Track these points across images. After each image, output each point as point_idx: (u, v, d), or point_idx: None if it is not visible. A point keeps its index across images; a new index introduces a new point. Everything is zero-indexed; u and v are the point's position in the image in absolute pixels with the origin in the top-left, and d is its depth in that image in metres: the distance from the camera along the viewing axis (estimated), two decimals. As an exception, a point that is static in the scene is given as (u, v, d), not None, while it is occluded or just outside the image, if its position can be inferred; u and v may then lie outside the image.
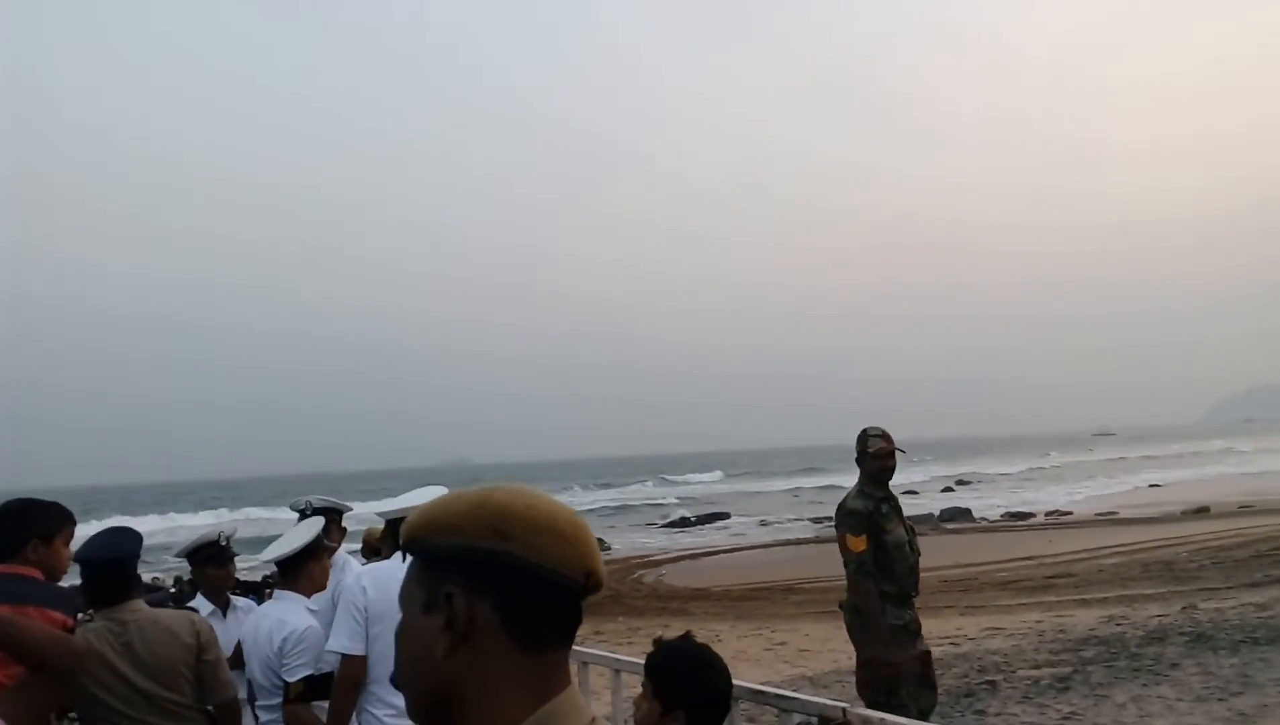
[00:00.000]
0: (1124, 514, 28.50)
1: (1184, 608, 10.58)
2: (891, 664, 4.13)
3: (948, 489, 49.44)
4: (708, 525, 35.96)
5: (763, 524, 35.07)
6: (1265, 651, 7.19)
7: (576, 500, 52.85)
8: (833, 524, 4.59)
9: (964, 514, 31.95)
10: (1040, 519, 30.36)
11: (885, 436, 4.45)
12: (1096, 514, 28.96)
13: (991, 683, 6.64)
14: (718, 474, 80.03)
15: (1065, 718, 5.49)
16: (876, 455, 4.40)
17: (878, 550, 4.24)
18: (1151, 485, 42.39)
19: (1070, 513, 30.92)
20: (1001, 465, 72.39)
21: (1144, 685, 6.27)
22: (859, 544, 4.26)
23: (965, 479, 56.23)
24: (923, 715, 4.10)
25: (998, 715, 5.62)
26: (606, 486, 70.14)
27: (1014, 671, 7.11)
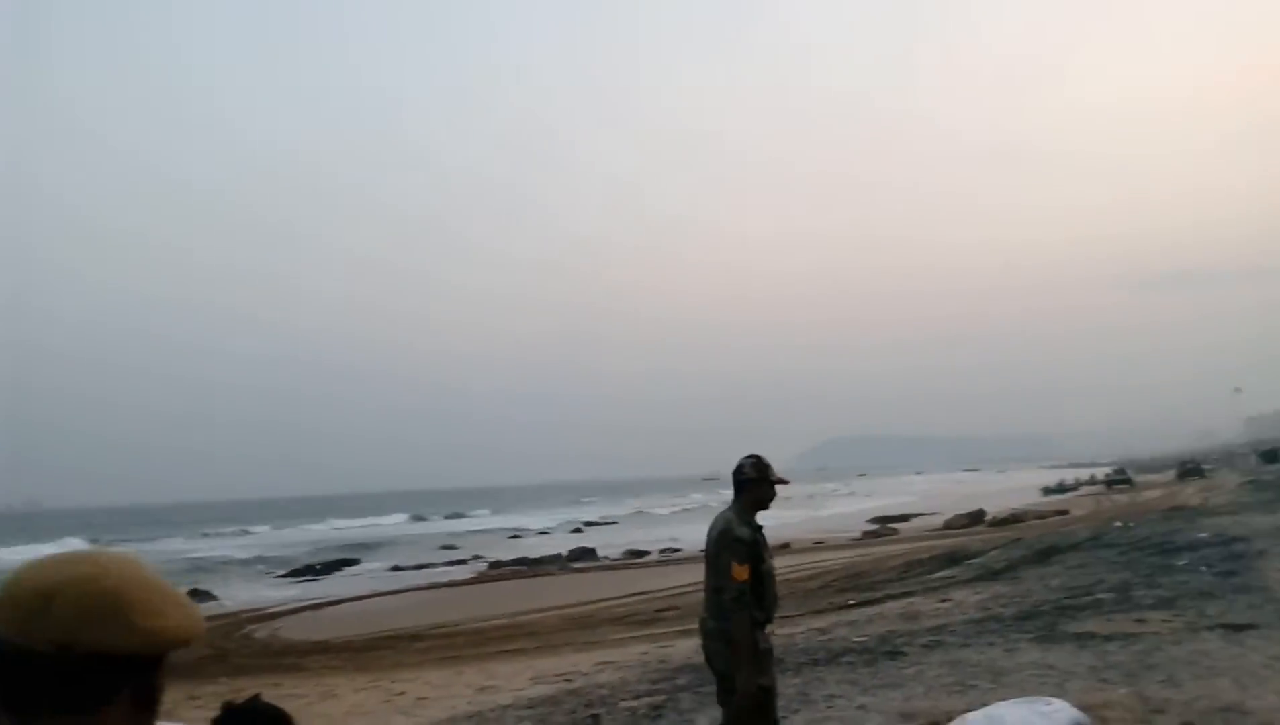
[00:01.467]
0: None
1: (764, 634, 11.97)
2: (764, 689, 4.30)
3: (576, 530, 51.56)
4: (336, 573, 34.09)
5: (395, 569, 34.02)
6: (822, 671, 8.36)
7: (175, 549, 47.47)
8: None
9: (589, 553, 33.55)
10: (655, 556, 32.83)
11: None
12: (699, 551, 31.87)
13: (595, 716, 7.03)
14: (400, 516, 76.24)
15: (651, 745, 5.98)
16: (774, 483, 4.53)
17: (753, 579, 4.32)
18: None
19: (680, 549, 33.76)
20: (620, 508, 77.27)
21: (717, 707, 7.01)
22: (743, 573, 4.28)
23: (593, 521, 59.08)
24: None
25: (594, 749, 5.97)
26: (242, 533, 63.87)
27: (617, 703, 7.59)
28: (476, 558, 35.64)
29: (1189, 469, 65.08)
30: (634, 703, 7.60)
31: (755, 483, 4.51)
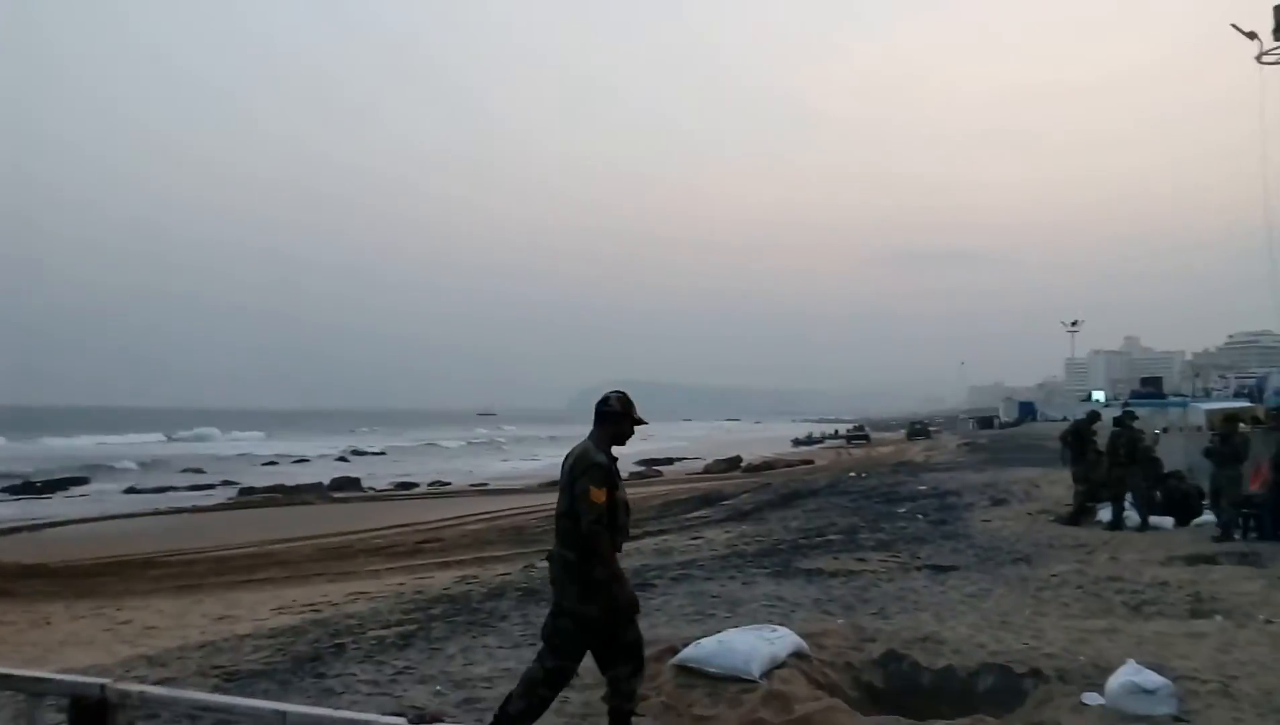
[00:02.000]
0: (494, 485, 31.83)
1: (525, 567, 12.15)
2: (590, 617, 4.28)
3: (341, 459, 49.66)
4: (60, 493, 30.91)
5: (130, 492, 31.35)
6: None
7: None
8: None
9: (353, 483, 32.46)
10: (423, 488, 32.35)
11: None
12: (471, 485, 31.85)
13: (340, 645, 6.85)
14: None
15: (400, 672, 5.91)
16: (635, 422, 4.53)
17: (609, 505, 4.30)
18: (503, 461, 48.05)
19: (450, 483, 33.49)
20: (396, 438, 75.21)
21: (474, 637, 7.06)
22: (600, 496, 4.25)
23: (361, 450, 57.14)
24: (630, 649, 4.43)
25: (337, 676, 5.81)
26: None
27: (365, 633, 7.44)
28: (227, 483, 33.55)
29: (917, 430, 72.45)
30: (384, 632, 7.48)
31: (618, 417, 4.54)
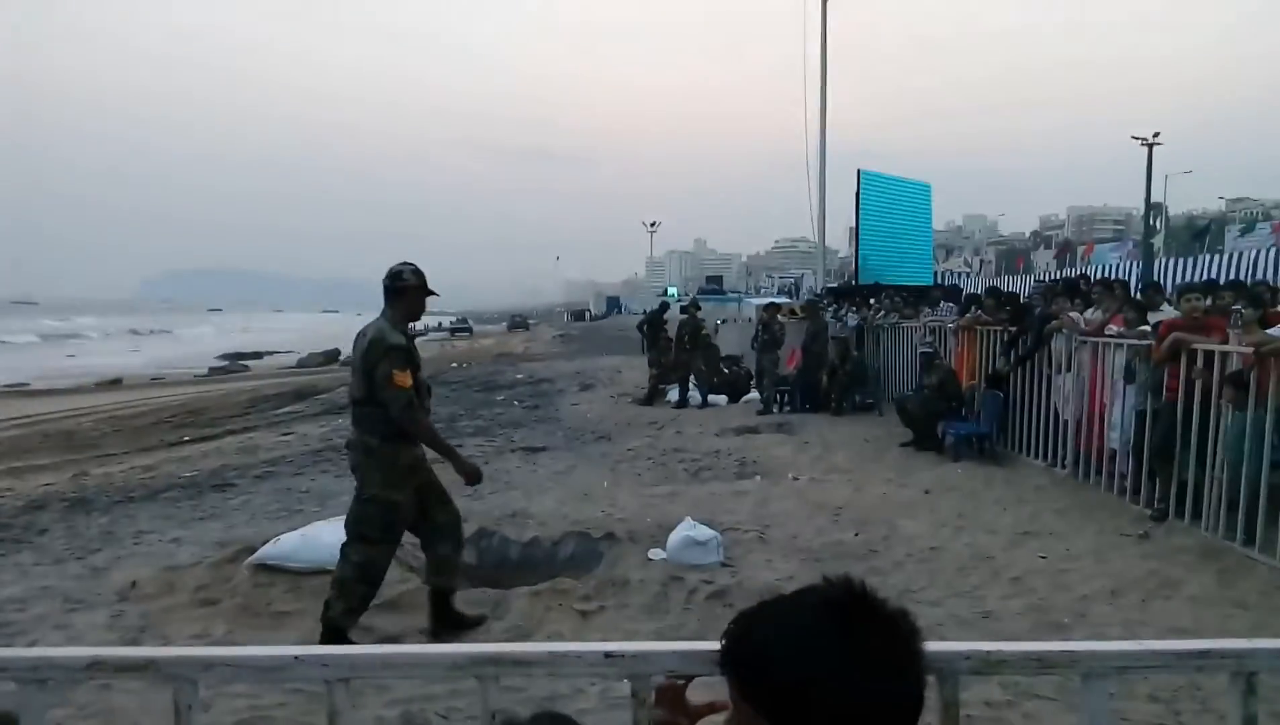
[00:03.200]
0: (37, 386, 27.18)
1: (74, 475, 10.60)
2: (394, 503, 4.21)
3: None
4: None
5: None
6: (135, 509, 7.70)
7: None
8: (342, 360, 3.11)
9: None
10: (-65, 392, 26.59)
11: None
12: (5, 385, 26.86)
13: None
14: None
15: (-107, 607, 4.86)
16: (429, 292, 4.30)
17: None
18: (69, 356, 41.57)
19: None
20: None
21: (3, 555, 6.03)
22: (405, 379, 4.08)
23: None
24: (448, 528, 4.46)
25: None
26: None
27: None
28: None
29: (517, 322, 75.14)
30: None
31: (415, 290, 4.22)
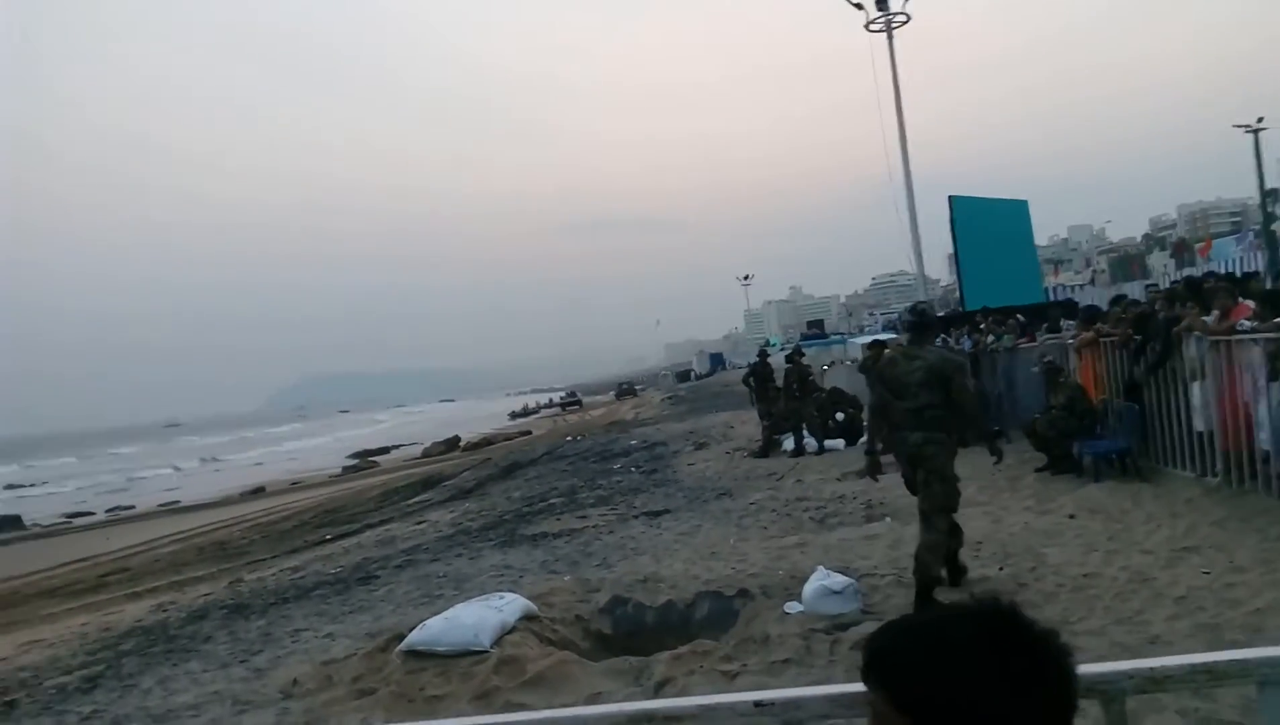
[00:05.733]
0: (186, 501, 28.92)
1: (230, 583, 11.20)
2: (957, 479, 5.73)
3: (-10, 496, 42.85)
4: None
5: None
6: (289, 609, 8.09)
7: None
8: None
9: (13, 522, 28.08)
10: (101, 516, 28.66)
11: None
12: (160, 505, 28.68)
13: (10, 702, 5.93)
14: None
15: (85, 718, 5.23)
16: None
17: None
18: (215, 471, 44.08)
19: (133, 506, 29.95)
20: (61, 462, 66.09)
21: (174, 665, 6.41)
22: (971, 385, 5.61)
23: (17, 482, 49.61)
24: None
25: (7, 739, 5.05)
26: None
27: (41, 684, 6.49)
28: None
29: (624, 389, 75.73)
30: (65, 679, 6.56)
31: (937, 321, 5.77)
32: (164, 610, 9.84)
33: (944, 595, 5.33)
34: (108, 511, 29.58)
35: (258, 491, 28.97)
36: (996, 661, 0.91)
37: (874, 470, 5.92)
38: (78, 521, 27.71)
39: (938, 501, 5.49)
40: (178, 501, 29.32)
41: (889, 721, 0.96)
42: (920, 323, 5.72)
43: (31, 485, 47.54)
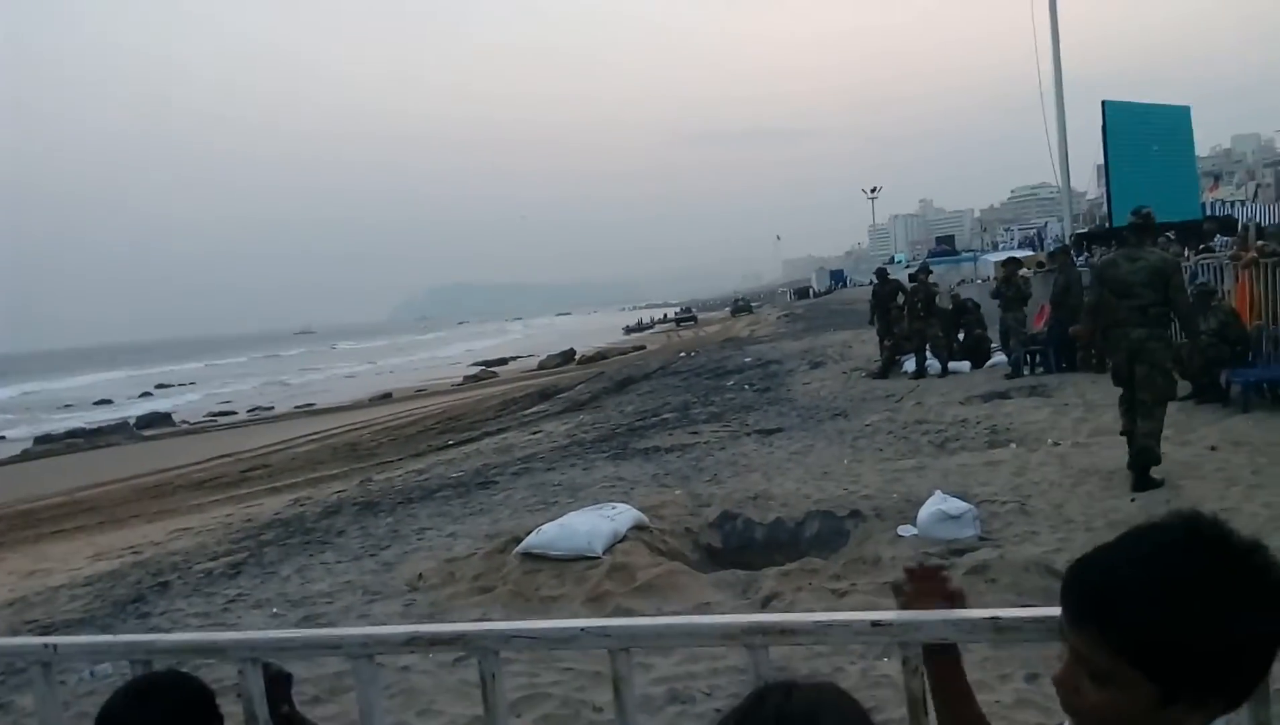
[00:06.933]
0: (320, 404, 30.61)
1: (361, 482, 11.85)
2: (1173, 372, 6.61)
3: (146, 394, 46.39)
4: None
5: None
6: (415, 508, 8.49)
7: None
8: None
9: (163, 418, 30.40)
10: (243, 416, 30.69)
11: None
12: (295, 407, 30.44)
13: (164, 583, 6.48)
14: None
15: (231, 600, 5.67)
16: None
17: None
18: (348, 377, 46.36)
19: (272, 407, 31.91)
20: (205, 365, 70.81)
21: (311, 555, 6.85)
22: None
23: (166, 382, 53.51)
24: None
25: (163, 614, 5.51)
26: None
27: (191, 568, 7.06)
28: (18, 432, 30.62)
29: (740, 306, 75.07)
30: (211, 564, 7.12)
31: (1155, 225, 6.63)
32: (300, 505, 10.51)
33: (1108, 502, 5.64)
34: (249, 411, 31.67)
35: (385, 397, 30.36)
36: (1214, 582, 0.83)
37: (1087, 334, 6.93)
38: (221, 420, 29.81)
39: (1160, 392, 6.04)
40: (312, 404, 31.06)
41: (1097, 664, 0.87)
42: (1143, 225, 6.20)
43: (182, 385, 51.21)
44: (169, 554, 8.19)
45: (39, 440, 27.89)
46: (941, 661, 1.29)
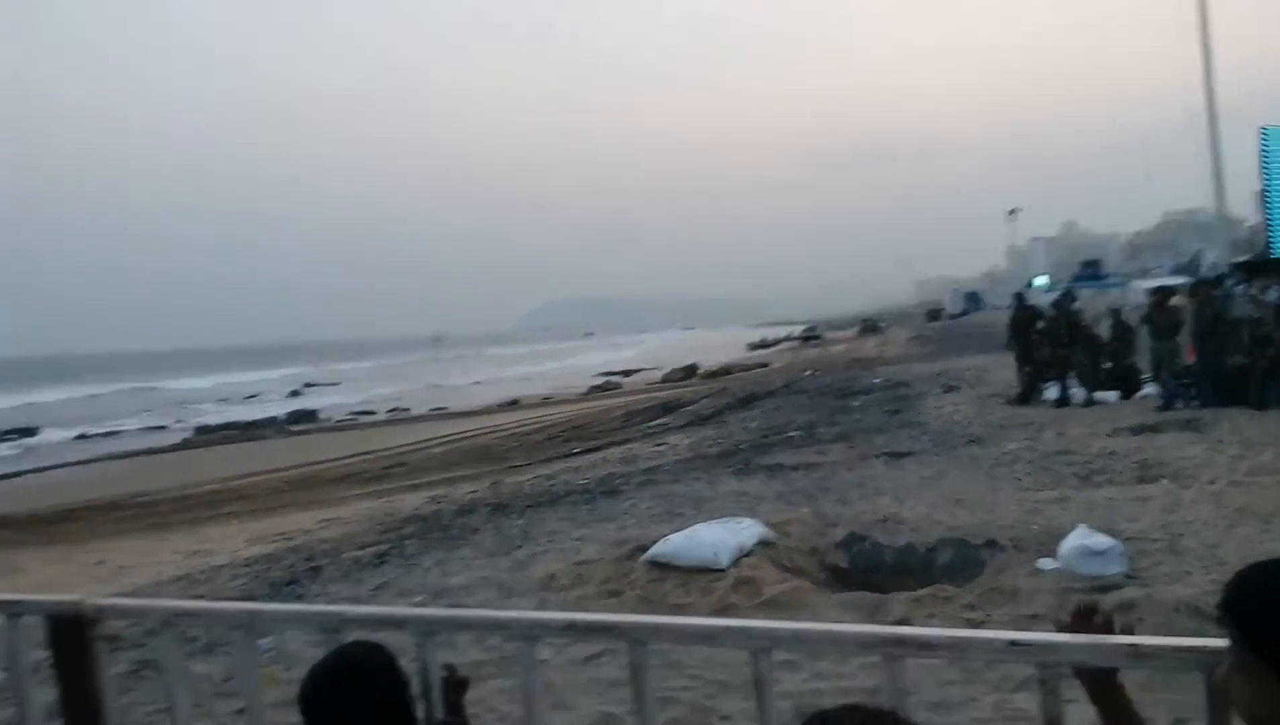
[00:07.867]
0: (453, 408, 31.79)
1: (492, 483, 12.28)
2: None
3: (295, 393, 49.22)
4: (4, 443, 30.27)
5: (82, 438, 30.81)
6: (544, 512, 8.76)
7: None
8: None
9: (310, 415, 32.23)
10: (383, 416, 32.21)
11: None
12: (431, 409, 31.72)
13: (316, 568, 6.93)
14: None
15: (378, 587, 6.01)
16: None
17: None
18: (475, 383, 47.94)
19: (409, 408, 33.36)
20: (348, 367, 74.58)
21: (448, 550, 7.18)
22: None
23: (314, 381, 56.62)
24: None
25: (316, 596, 5.91)
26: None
27: (340, 555, 7.52)
28: (180, 423, 33.11)
29: (869, 326, 73.40)
30: (358, 553, 7.56)
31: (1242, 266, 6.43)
32: (437, 502, 10.99)
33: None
34: (388, 412, 33.23)
35: (513, 403, 31.23)
36: None
37: None
38: (363, 419, 31.38)
39: None
40: (446, 407, 32.28)
41: (1243, 665, 1.01)
42: None
43: (328, 385, 54.13)
44: (319, 541, 8.73)
45: (199, 431, 30.11)
46: (1107, 690, 1.32)
